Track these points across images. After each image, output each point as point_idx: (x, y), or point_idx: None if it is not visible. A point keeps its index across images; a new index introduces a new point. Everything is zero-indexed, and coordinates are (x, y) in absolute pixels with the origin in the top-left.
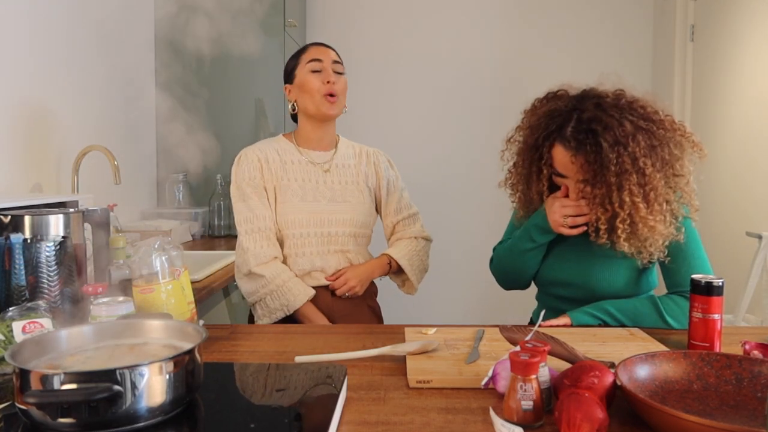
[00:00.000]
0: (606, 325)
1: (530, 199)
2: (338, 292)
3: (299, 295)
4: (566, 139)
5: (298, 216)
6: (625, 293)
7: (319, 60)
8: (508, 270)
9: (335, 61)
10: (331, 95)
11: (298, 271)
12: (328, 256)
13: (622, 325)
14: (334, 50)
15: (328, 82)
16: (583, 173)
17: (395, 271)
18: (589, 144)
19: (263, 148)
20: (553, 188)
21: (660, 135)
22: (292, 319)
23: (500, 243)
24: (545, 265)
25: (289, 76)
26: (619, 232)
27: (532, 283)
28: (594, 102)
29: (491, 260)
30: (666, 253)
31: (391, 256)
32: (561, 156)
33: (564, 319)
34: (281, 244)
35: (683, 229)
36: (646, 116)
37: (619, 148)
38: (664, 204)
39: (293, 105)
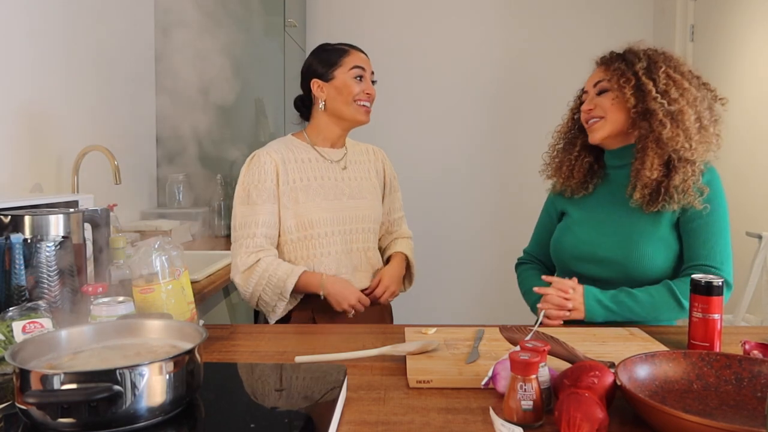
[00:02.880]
0: (613, 322)
1: (568, 164)
2: (382, 300)
3: (289, 276)
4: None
5: (322, 215)
6: (662, 275)
7: (362, 68)
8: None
9: (371, 71)
10: (368, 104)
11: (325, 272)
12: (351, 255)
13: (632, 322)
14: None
15: (368, 93)
16: (610, 75)
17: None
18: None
19: (278, 149)
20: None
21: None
22: (296, 317)
23: (528, 246)
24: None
25: (324, 74)
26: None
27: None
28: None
29: (516, 266)
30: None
31: (405, 254)
32: (595, 72)
33: (575, 293)
34: (301, 246)
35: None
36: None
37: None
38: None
39: (323, 102)
